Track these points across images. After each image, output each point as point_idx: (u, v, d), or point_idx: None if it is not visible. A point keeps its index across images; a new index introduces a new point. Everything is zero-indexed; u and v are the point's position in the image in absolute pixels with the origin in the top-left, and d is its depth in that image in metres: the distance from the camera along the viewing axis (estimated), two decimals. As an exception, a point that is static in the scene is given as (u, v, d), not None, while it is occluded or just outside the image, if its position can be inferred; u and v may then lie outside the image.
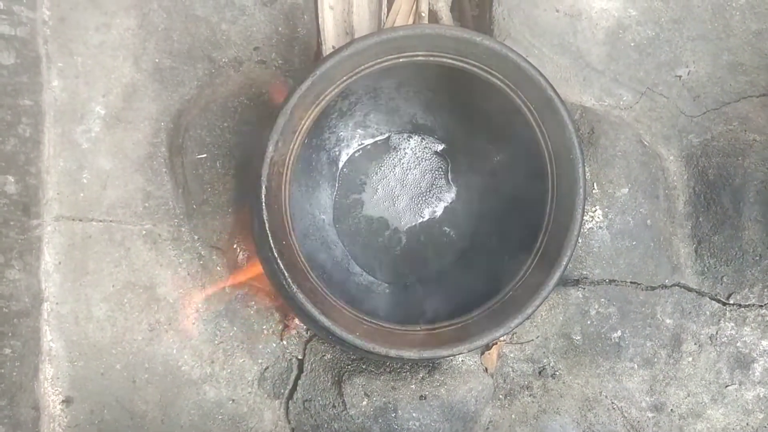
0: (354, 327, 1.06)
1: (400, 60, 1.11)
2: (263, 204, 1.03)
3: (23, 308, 1.27)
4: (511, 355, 1.41)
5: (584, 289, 1.40)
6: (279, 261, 1.04)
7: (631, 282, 1.42)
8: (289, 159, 1.08)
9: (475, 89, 1.20)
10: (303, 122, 1.08)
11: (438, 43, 1.10)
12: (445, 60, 1.12)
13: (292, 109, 1.04)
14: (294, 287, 1.03)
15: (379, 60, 1.10)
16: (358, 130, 1.38)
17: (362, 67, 1.09)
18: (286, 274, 1.04)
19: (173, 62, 1.40)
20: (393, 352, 1.03)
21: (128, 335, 1.33)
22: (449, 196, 1.40)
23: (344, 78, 1.09)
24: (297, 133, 1.08)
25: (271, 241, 1.03)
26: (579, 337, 1.41)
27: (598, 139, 1.40)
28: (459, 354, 1.08)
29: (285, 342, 1.36)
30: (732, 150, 1.44)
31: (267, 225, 1.03)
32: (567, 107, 1.07)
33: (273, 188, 1.05)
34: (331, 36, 1.42)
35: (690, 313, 1.45)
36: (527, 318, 1.07)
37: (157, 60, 1.39)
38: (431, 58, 1.12)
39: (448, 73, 1.18)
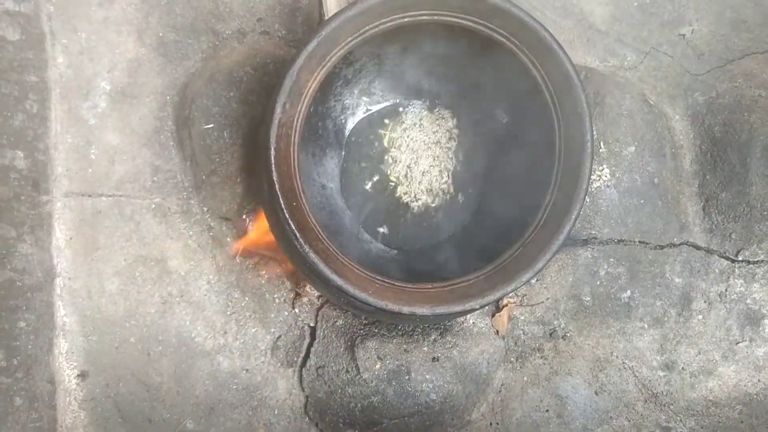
0: (366, 286, 1.06)
1: (405, 20, 1.11)
2: (273, 165, 1.03)
3: (36, 282, 1.28)
4: (522, 317, 1.42)
5: (593, 249, 1.40)
6: (290, 222, 1.04)
7: (639, 241, 1.42)
8: (297, 121, 1.08)
9: (480, 50, 1.19)
10: (309, 84, 1.09)
11: (442, 1, 1.10)
12: (448, 19, 1.12)
13: (299, 71, 1.04)
14: (306, 247, 1.03)
15: (383, 20, 1.10)
16: (364, 98, 1.38)
17: (367, 27, 1.09)
18: (298, 234, 1.04)
19: (177, 36, 1.40)
20: (406, 309, 1.04)
21: (141, 308, 1.33)
22: (457, 159, 1.40)
23: (349, 39, 1.09)
24: (304, 96, 1.08)
25: (281, 201, 1.03)
26: (589, 298, 1.41)
27: (604, 98, 1.40)
28: (472, 309, 1.08)
29: (297, 310, 1.37)
30: (738, 106, 1.44)
31: (277, 186, 1.03)
32: (571, 61, 1.07)
33: (282, 150, 1.06)
34: (333, 4, 1.42)
35: (699, 271, 1.45)
36: (538, 272, 1.07)
37: (160, 34, 1.39)
38: (435, 17, 1.12)
39: (453, 36, 1.18)
